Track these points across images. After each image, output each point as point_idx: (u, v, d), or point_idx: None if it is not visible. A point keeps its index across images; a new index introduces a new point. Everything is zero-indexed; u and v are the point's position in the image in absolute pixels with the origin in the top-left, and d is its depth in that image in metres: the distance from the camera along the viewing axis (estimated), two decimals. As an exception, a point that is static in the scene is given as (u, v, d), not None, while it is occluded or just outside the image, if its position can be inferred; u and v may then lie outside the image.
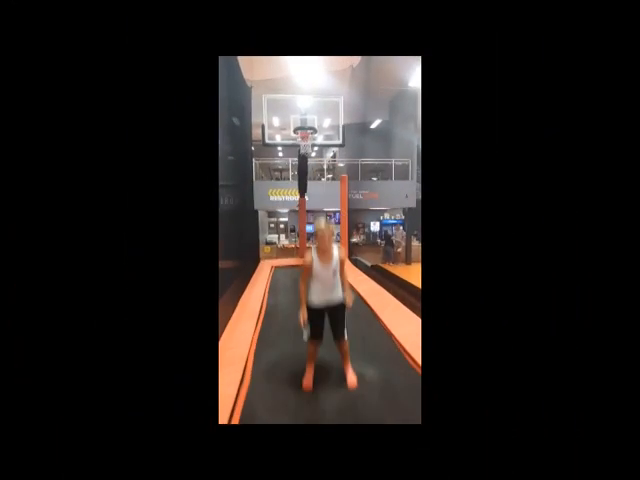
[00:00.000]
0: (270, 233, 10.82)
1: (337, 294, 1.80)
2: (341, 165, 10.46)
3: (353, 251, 9.17)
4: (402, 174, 9.07)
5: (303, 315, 1.74)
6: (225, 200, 3.93)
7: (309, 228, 7.54)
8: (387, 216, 10.75)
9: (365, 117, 10.10)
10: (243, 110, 5.97)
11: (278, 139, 9.67)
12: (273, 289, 4.50)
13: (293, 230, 10.60)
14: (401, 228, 9.85)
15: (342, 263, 1.80)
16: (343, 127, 6.58)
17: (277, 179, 9.82)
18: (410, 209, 9.08)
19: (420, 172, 9.13)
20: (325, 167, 10.26)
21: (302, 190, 6.91)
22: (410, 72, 7.68)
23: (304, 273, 1.76)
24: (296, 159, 6.77)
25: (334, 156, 11.86)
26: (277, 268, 6.10)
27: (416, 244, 9.44)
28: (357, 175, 9.09)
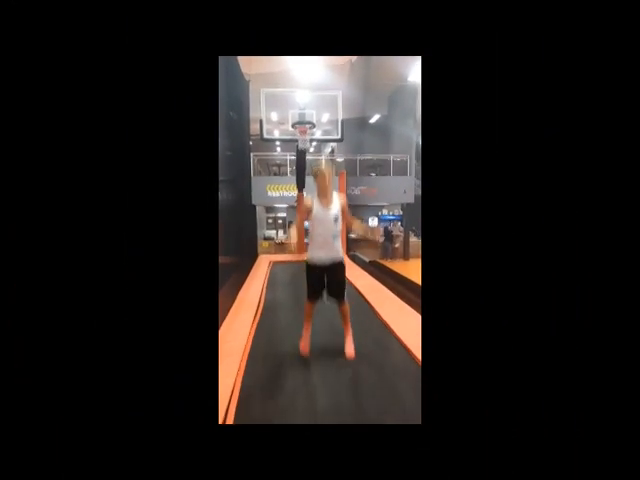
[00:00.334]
0: (268, 228, 10.82)
1: (337, 250, 1.72)
2: (339, 160, 10.44)
3: (351, 247, 9.19)
4: (400, 170, 9.06)
5: (293, 231, 1.73)
6: (223, 195, 3.92)
7: (307, 224, 7.51)
8: (385, 212, 10.76)
9: (364, 112, 10.07)
10: (241, 104, 5.93)
11: (276, 134, 9.62)
12: (271, 284, 4.50)
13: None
14: (399, 224, 9.87)
15: (344, 209, 1.73)
16: (342, 122, 6.55)
17: (275, 174, 9.79)
18: (408, 205, 9.09)
19: (418, 168, 9.14)
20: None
21: (300, 186, 6.89)
22: (409, 67, 7.65)
23: (302, 211, 1.68)
24: (294, 154, 6.74)
25: (332, 151, 11.83)
26: (275, 263, 6.11)
27: (414, 240, 9.46)
28: (355, 171, 9.07)
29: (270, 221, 10.93)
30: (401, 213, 9.95)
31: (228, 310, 3.12)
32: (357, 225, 1.75)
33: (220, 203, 3.54)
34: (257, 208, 8.64)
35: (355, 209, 9.64)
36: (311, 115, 6.17)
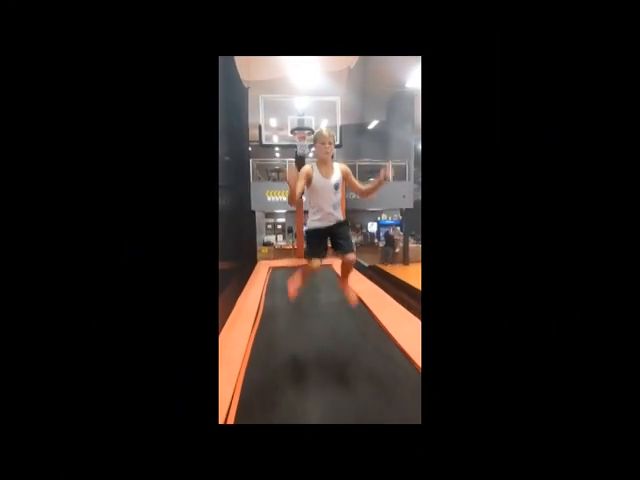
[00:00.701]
0: (267, 234, 10.81)
1: (338, 215, 1.64)
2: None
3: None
4: (399, 175, 9.10)
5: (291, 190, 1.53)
6: (222, 201, 3.92)
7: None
8: (384, 217, 10.77)
9: (362, 118, 10.14)
10: (240, 111, 5.96)
11: (275, 140, 9.67)
12: (270, 290, 4.48)
13: (290, 231, 10.59)
14: (398, 229, 9.88)
15: (348, 175, 1.66)
16: (340, 128, 6.59)
17: (274, 180, 9.81)
18: (407, 210, 9.11)
19: (417, 173, 9.18)
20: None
21: (300, 191, 6.89)
22: (407, 73, 7.72)
23: (300, 175, 1.57)
24: (293, 160, 6.77)
25: (332, 157, 11.86)
26: (275, 269, 6.09)
27: (413, 245, 9.47)
28: (355, 176, 9.09)
29: (269, 226, 10.94)
30: (400, 218, 9.96)
31: (227, 317, 3.10)
32: (367, 187, 1.65)
33: (219, 208, 3.54)
34: (256, 213, 8.65)
35: (354, 214, 9.67)
36: (310, 121, 6.22)
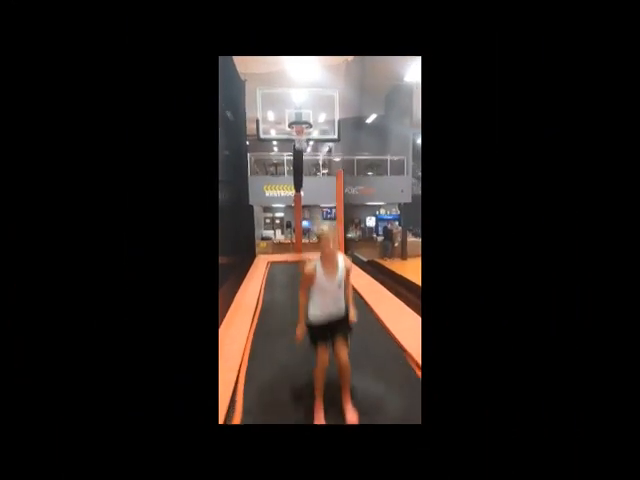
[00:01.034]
0: (266, 229, 10.78)
1: (341, 307, 1.60)
2: (337, 160, 10.43)
3: (349, 246, 9.19)
4: (398, 169, 9.07)
5: (301, 330, 1.55)
6: (220, 196, 3.90)
7: (305, 224, 7.51)
8: (383, 211, 10.76)
9: (361, 112, 10.06)
10: (237, 104, 5.91)
11: (273, 134, 9.60)
12: (269, 285, 4.48)
13: (289, 226, 10.56)
14: (396, 223, 9.88)
15: (348, 273, 1.61)
16: (338, 122, 6.54)
17: (272, 174, 9.76)
18: (406, 204, 9.10)
19: (415, 167, 9.15)
20: (321, 162, 10.22)
21: (298, 185, 6.88)
22: (405, 67, 7.65)
23: (304, 283, 1.56)
24: (291, 154, 6.72)
25: (330, 151, 11.81)
26: (273, 263, 6.09)
27: (411, 239, 9.48)
28: (353, 170, 9.07)
29: (268, 221, 10.90)
30: (398, 212, 9.96)
31: (225, 313, 3.10)
32: (351, 307, 1.60)
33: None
34: (255, 208, 8.62)
35: (353, 209, 9.64)
36: (308, 115, 6.16)
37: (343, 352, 1.53)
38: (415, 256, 8.98)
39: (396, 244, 9.51)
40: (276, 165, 9.95)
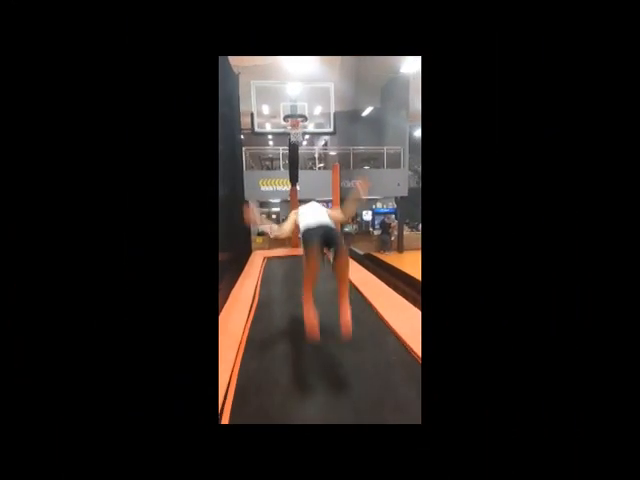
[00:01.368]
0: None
1: (331, 223, 1.73)
2: (333, 154, 10.39)
3: (346, 240, 9.20)
4: (394, 162, 9.05)
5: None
6: (215, 191, 3.86)
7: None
8: (379, 205, 10.76)
9: (356, 104, 9.99)
10: (231, 97, 5.82)
11: (268, 127, 9.50)
12: (265, 281, 4.47)
13: (285, 220, 10.56)
14: (392, 217, 9.89)
15: (337, 223, 1.75)
16: (334, 115, 6.49)
17: (268, 168, 9.70)
18: (402, 197, 9.09)
19: (411, 160, 9.13)
20: (317, 156, 10.16)
21: (293, 179, 6.83)
22: (401, 59, 7.58)
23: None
24: (287, 148, 6.67)
25: (325, 144, 11.76)
26: (270, 259, 6.06)
27: (407, 232, 9.51)
28: (349, 164, 9.04)
29: (264, 216, 10.89)
30: (395, 206, 9.97)
31: (221, 308, 3.09)
32: (347, 208, 1.77)
33: (212, 199, 3.47)
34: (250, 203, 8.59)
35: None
36: (303, 108, 6.09)
37: (343, 254, 1.55)
38: (411, 249, 9.01)
39: (392, 237, 9.53)
40: (271, 159, 9.90)
